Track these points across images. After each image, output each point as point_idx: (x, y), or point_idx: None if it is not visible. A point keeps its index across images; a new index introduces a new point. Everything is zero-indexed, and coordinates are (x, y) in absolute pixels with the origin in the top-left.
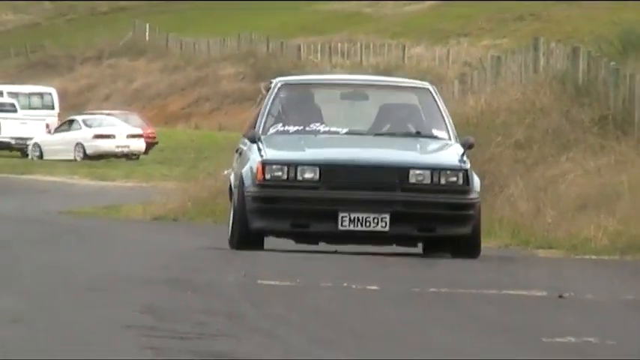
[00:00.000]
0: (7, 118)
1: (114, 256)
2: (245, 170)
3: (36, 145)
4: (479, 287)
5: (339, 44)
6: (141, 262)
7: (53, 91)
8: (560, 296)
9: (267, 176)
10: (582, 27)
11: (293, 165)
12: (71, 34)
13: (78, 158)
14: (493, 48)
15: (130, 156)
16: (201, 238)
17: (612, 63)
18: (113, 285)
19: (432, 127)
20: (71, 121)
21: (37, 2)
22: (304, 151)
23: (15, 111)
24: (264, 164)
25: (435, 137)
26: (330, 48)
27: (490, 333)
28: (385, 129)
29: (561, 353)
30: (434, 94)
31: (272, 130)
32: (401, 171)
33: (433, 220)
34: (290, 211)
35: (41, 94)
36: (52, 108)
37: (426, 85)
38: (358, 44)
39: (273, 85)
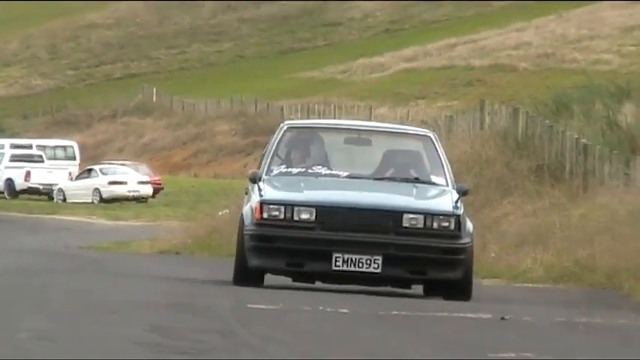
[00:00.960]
0: (35, 167)
1: (126, 284)
2: (246, 209)
3: (60, 190)
4: (434, 311)
5: (316, 105)
6: (149, 289)
7: (74, 144)
8: (503, 318)
9: (265, 215)
10: (521, 91)
11: (290, 205)
12: (90, 97)
13: (95, 201)
14: (446, 109)
15: (139, 199)
16: (199, 269)
17: (547, 121)
18: (125, 308)
19: (431, 174)
20: (90, 170)
21: (61, 70)
22: (302, 192)
23: (42, 161)
24: (262, 204)
25: (433, 183)
26: (308, 109)
27: (444, 349)
28: (388, 174)
29: None
30: (434, 142)
31: (275, 172)
32: (395, 215)
33: (424, 263)
34: (285, 251)
35: (64, 147)
36: (74, 159)
37: (428, 132)
38: (332, 105)
39: (279, 128)
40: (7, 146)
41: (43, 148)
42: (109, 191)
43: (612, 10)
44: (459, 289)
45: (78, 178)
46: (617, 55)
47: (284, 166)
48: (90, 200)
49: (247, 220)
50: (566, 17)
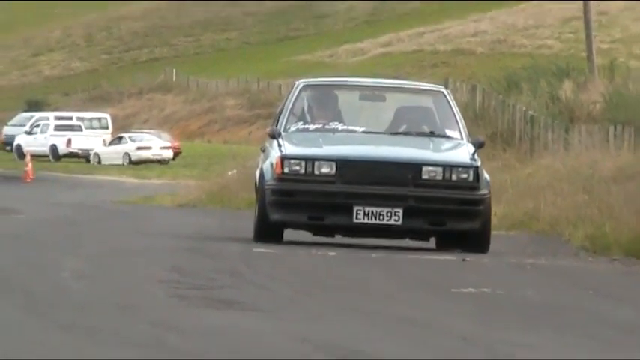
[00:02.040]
0: (75, 135)
1: (150, 232)
2: (266, 165)
3: (96, 154)
4: (407, 253)
5: None
6: (169, 236)
7: (107, 116)
8: (464, 260)
9: (286, 170)
10: (478, 71)
11: (310, 160)
12: (120, 77)
13: (125, 163)
14: None
15: (162, 162)
16: (211, 219)
17: (500, 96)
18: (150, 252)
19: (446, 128)
20: (120, 138)
21: (96, 54)
22: (322, 147)
23: (81, 130)
24: (283, 159)
25: (448, 137)
26: None
27: (414, 285)
28: (401, 129)
29: (465, 299)
30: (448, 97)
31: (293, 128)
32: (414, 167)
33: (444, 214)
34: (306, 204)
35: (99, 119)
36: (107, 128)
37: (441, 88)
38: None
39: (295, 86)
40: (51, 118)
41: (81, 119)
42: (136, 155)
43: (554, 4)
44: (477, 240)
45: (110, 144)
46: (558, 42)
47: (301, 122)
48: (120, 162)
49: (267, 176)
50: (517, 9)
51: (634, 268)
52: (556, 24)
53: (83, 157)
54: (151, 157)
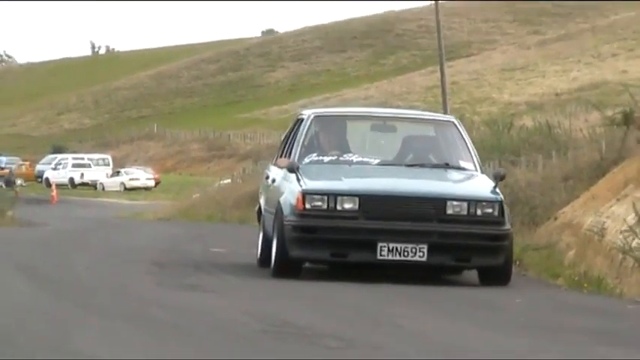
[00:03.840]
0: (87, 170)
1: (138, 237)
2: (283, 199)
3: (101, 183)
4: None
5: (249, 133)
6: (151, 240)
7: (109, 157)
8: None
9: (307, 206)
10: None
11: (333, 195)
12: (118, 129)
13: (121, 190)
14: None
15: (147, 188)
16: (181, 228)
17: None
18: (138, 251)
19: (459, 159)
20: (118, 172)
21: (101, 114)
22: (342, 181)
23: (90, 167)
24: (305, 194)
25: (463, 169)
26: (243, 135)
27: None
28: (413, 160)
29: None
30: (458, 127)
31: (307, 160)
32: (438, 202)
33: (469, 250)
34: (329, 241)
35: (103, 159)
36: (109, 165)
37: (451, 118)
38: (258, 133)
39: (305, 118)
40: (69, 158)
41: (90, 159)
42: (129, 184)
43: (420, 77)
44: (499, 275)
45: (111, 176)
46: (424, 103)
47: (315, 154)
48: (118, 189)
49: (287, 210)
50: (394, 80)
51: None
52: (421, 91)
53: (92, 185)
54: (140, 185)
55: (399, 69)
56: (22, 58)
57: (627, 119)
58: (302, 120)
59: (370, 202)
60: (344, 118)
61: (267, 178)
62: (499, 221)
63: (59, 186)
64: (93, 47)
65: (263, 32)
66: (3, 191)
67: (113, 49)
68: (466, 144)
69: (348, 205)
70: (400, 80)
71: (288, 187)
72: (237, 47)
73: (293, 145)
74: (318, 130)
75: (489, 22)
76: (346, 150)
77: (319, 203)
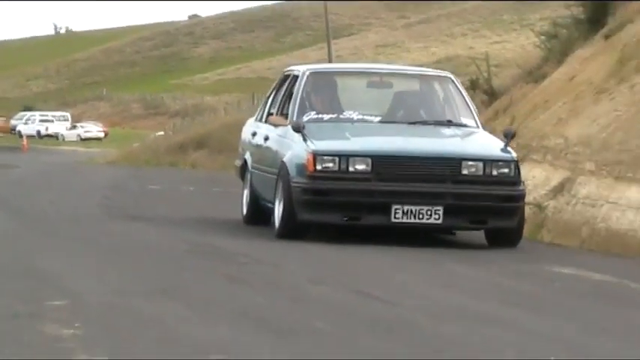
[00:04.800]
0: (50, 125)
1: (91, 178)
2: (288, 159)
3: (62, 135)
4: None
5: (178, 95)
6: (101, 179)
7: (68, 114)
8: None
9: (319, 167)
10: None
11: (345, 156)
12: (75, 93)
13: (78, 140)
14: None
15: (98, 139)
16: (124, 171)
17: None
18: (91, 189)
19: (461, 116)
20: (75, 126)
21: (62, 80)
22: (351, 140)
23: (53, 122)
24: (315, 155)
25: (465, 125)
26: (174, 97)
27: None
28: (411, 116)
29: None
30: (457, 83)
31: (305, 118)
32: (453, 162)
33: (486, 212)
34: (342, 204)
35: (63, 115)
36: (67, 120)
37: (449, 74)
38: (185, 95)
39: (300, 74)
40: (37, 115)
41: (53, 116)
42: (84, 135)
43: (312, 52)
44: (511, 237)
45: (70, 129)
46: None
47: (313, 112)
48: (75, 140)
49: (294, 172)
50: (291, 55)
51: None
52: (314, 62)
53: (55, 136)
54: (92, 136)
55: (295, 45)
56: None
57: (474, 85)
58: (294, 76)
59: (383, 163)
60: (339, 75)
61: (255, 135)
62: (515, 181)
63: (29, 137)
64: (55, 28)
65: (189, 16)
66: None
67: (71, 29)
68: (465, 100)
69: (360, 167)
70: (296, 54)
71: (293, 147)
72: (169, 28)
73: (285, 103)
74: (313, 87)
75: (366, 8)
76: (345, 107)
77: (330, 165)
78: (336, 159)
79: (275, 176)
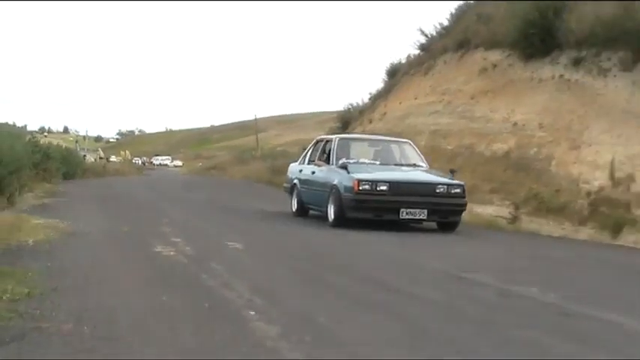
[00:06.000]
0: (164, 160)
1: (178, 178)
2: (338, 183)
3: (167, 164)
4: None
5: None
6: (180, 178)
7: (170, 157)
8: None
9: (360, 188)
10: None
11: (374, 182)
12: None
13: (172, 166)
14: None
15: (180, 166)
16: (190, 176)
17: None
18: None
19: (418, 161)
20: (172, 160)
21: None
22: (375, 174)
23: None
24: (359, 181)
25: (421, 166)
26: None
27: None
28: (395, 161)
29: None
30: (412, 145)
31: (340, 162)
32: (432, 186)
33: (447, 212)
34: (372, 207)
35: (168, 157)
36: (169, 158)
37: (408, 140)
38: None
39: (333, 139)
40: (159, 157)
41: (165, 157)
42: (174, 164)
43: None
44: (453, 226)
45: (170, 162)
46: None
47: (344, 158)
48: (172, 166)
49: (342, 189)
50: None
51: None
52: None
53: (165, 165)
54: (177, 164)
55: None
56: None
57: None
58: (327, 140)
59: (395, 185)
60: (355, 140)
61: (301, 171)
62: (463, 196)
63: (157, 165)
64: None
65: None
66: None
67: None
68: (417, 153)
69: (382, 187)
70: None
71: (339, 176)
72: None
73: (325, 154)
74: (340, 145)
75: None
76: (360, 156)
77: (366, 186)
78: (370, 183)
79: (325, 192)
